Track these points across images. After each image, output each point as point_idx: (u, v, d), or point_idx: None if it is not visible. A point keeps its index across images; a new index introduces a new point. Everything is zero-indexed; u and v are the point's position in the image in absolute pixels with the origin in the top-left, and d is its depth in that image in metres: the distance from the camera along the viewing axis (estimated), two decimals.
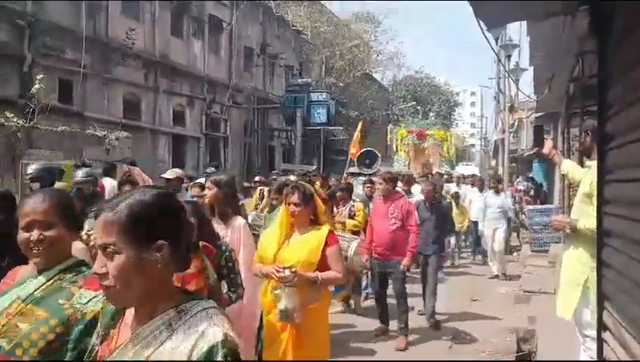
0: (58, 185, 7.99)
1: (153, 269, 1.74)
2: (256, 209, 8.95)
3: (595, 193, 4.09)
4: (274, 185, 8.24)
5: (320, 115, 28.73)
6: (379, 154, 15.48)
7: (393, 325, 8.00)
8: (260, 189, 10.02)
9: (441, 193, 10.40)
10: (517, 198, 18.79)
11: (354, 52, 37.51)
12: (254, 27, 28.44)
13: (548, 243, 12.05)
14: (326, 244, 4.47)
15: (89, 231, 3.70)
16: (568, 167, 5.61)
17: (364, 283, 9.76)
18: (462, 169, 28.98)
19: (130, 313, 1.86)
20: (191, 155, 22.92)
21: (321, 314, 4.60)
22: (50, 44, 15.12)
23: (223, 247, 4.26)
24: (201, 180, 7.18)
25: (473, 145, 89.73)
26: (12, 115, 12.65)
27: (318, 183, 11.13)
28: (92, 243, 3.34)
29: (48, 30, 14.91)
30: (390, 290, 8.03)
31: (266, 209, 8.24)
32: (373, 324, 8.35)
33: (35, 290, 2.41)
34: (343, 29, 38.45)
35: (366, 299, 9.88)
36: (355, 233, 8.72)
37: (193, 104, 23.14)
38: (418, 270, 9.25)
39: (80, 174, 7.49)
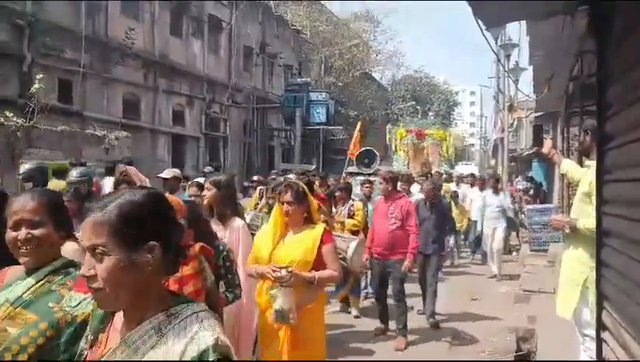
0: (57, 183, 7.98)
1: (143, 271, 1.69)
2: (256, 208, 8.93)
3: (594, 193, 4.10)
4: (272, 184, 8.22)
5: (319, 115, 28.74)
6: (378, 154, 15.47)
7: (393, 325, 8.00)
8: (260, 189, 10.00)
9: (440, 192, 10.38)
10: (516, 198, 18.82)
11: (353, 51, 37.53)
12: (254, 27, 28.44)
13: (547, 242, 12.04)
14: (321, 243, 4.45)
15: None
16: (567, 166, 5.61)
17: (362, 284, 9.75)
18: (461, 168, 28.95)
19: (119, 317, 1.82)
20: (190, 155, 22.92)
21: (317, 314, 4.57)
22: (50, 44, 15.13)
23: (221, 247, 4.23)
24: (199, 180, 7.15)
25: (473, 144, 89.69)
26: (12, 114, 12.66)
27: (317, 183, 11.11)
28: None
29: (48, 30, 14.92)
30: (390, 290, 8.02)
31: (264, 209, 8.23)
32: (372, 324, 8.34)
33: (23, 293, 2.37)
34: (342, 28, 38.46)
35: (365, 298, 9.88)
36: (355, 233, 8.69)
37: (192, 104, 23.14)
38: (416, 270, 9.23)
39: (74, 174, 7.32)
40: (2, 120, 12.37)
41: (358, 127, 16.61)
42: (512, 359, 6.77)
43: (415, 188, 13.09)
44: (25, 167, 6.97)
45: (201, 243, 3.62)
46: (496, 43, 19.98)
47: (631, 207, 3.14)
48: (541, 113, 18.44)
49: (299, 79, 30.64)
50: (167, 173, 8.54)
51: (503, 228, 12.82)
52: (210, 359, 1.62)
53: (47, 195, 2.60)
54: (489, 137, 53.82)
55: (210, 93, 24.17)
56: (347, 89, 37.26)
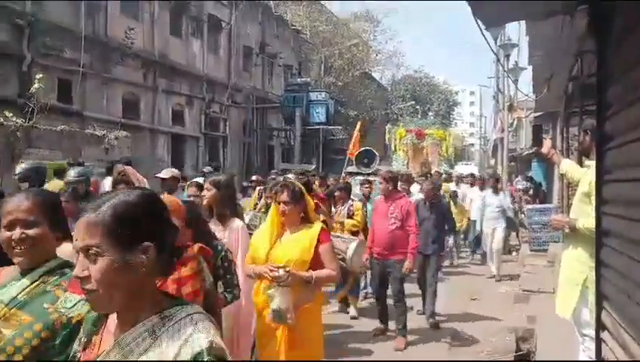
0: (57, 183, 7.97)
1: (138, 272, 1.67)
2: (255, 208, 8.93)
3: (593, 193, 4.10)
4: (271, 184, 8.20)
5: (319, 115, 28.76)
6: (377, 154, 15.46)
7: (392, 325, 7.99)
8: (259, 189, 10.00)
9: (440, 192, 10.37)
10: (516, 198, 18.82)
11: (353, 51, 37.53)
12: (253, 26, 28.45)
13: (547, 242, 12.04)
14: (318, 242, 4.43)
15: None
16: (567, 166, 5.61)
17: (362, 284, 9.74)
18: (461, 168, 28.95)
19: (112, 319, 1.80)
20: (190, 155, 22.93)
21: (314, 314, 4.56)
22: (50, 44, 15.14)
23: (219, 247, 4.20)
24: (198, 179, 7.11)
25: (472, 144, 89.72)
26: (11, 114, 12.67)
27: (316, 182, 11.11)
28: None
29: (48, 30, 14.92)
30: (390, 290, 8.00)
31: (263, 209, 8.23)
32: (371, 325, 8.34)
33: (18, 294, 2.33)
34: (342, 28, 38.47)
35: (365, 298, 9.87)
36: (354, 233, 8.69)
37: (192, 103, 23.15)
38: (416, 270, 9.22)
39: (72, 174, 7.28)
40: (2, 120, 12.38)
41: (357, 127, 16.60)
42: (512, 359, 6.77)
43: (415, 188, 13.09)
44: (21, 166, 6.84)
45: (200, 244, 3.59)
46: (495, 43, 19.98)
47: (630, 207, 3.14)
48: (541, 113, 18.43)
49: (298, 79, 30.66)
50: (166, 173, 8.49)
51: (503, 228, 12.81)
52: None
53: (42, 195, 2.57)
54: (489, 137, 53.82)
55: (210, 92, 24.18)
56: (347, 89, 37.26)
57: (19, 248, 2.38)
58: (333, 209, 9.10)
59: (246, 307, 4.84)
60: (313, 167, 24.12)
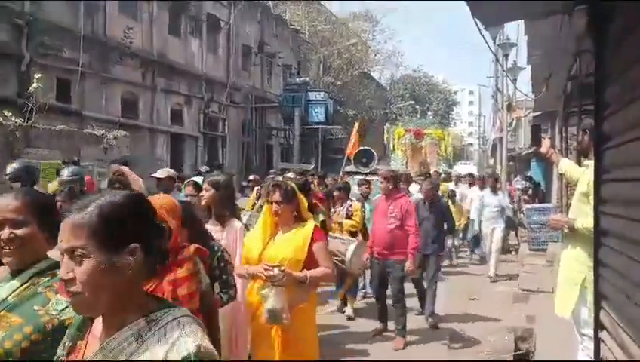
0: (56, 183, 7.94)
1: (124, 274, 1.64)
2: (253, 208, 8.92)
3: (592, 192, 4.10)
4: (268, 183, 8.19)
5: (318, 114, 28.76)
6: (375, 153, 15.47)
7: (391, 325, 7.98)
8: (257, 189, 9.99)
9: (438, 192, 10.37)
10: (515, 197, 18.82)
11: (352, 51, 37.55)
12: (252, 26, 28.44)
13: (546, 242, 12.04)
14: (312, 241, 4.42)
15: None
16: (566, 166, 5.61)
17: (360, 284, 9.73)
18: (460, 168, 28.97)
19: (98, 323, 1.76)
20: (189, 154, 22.92)
21: (308, 314, 4.54)
22: (49, 44, 15.11)
23: (215, 248, 4.18)
24: (195, 179, 7.07)
25: (471, 144, 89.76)
26: (10, 114, 12.65)
27: (315, 182, 11.10)
28: None
29: (46, 29, 14.90)
30: (389, 290, 7.99)
31: (260, 209, 8.22)
32: (368, 325, 8.34)
33: (8, 295, 2.29)
34: (341, 27, 38.49)
35: (364, 297, 9.87)
36: (353, 234, 8.69)
37: (191, 103, 23.14)
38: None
39: (66, 173, 7.27)
40: (1, 119, 12.36)
41: (356, 126, 16.58)
42: (511, 359, 6.77)
43: (414, 187, 13.08)
44: (12, 166, 6.62)
45: (196, 245, 3.56)
46: (494, 42, 19.98)
47: (629, 207, 3.14)
48: (539, 113, 18.44)
49: (297, 78, 30.64)
50: (161, 172, 8.44)
51: (502, 228, 12.80)
52: None
53: (32, 195, 2.53)
54: (487, 137, 53.89)
55: (209, 92, 24.17)
56: (346, 88, 37.27)
57: (7, 248, 2.34)
58: (332, 209, 9.09)
59: (244, 307, 4.83)
60: (312, 166, 24.12)
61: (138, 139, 18.60)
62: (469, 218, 14.41)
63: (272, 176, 12.74)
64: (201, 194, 5.36)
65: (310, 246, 4.40)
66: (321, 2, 37.29)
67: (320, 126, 29.37)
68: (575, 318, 4.70)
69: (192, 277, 3.37)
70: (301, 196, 4.64)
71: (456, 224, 13.59)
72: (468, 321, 8.77)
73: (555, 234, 10.55)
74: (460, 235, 15.34)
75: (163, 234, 1.84)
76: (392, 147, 23.48)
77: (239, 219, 5.53)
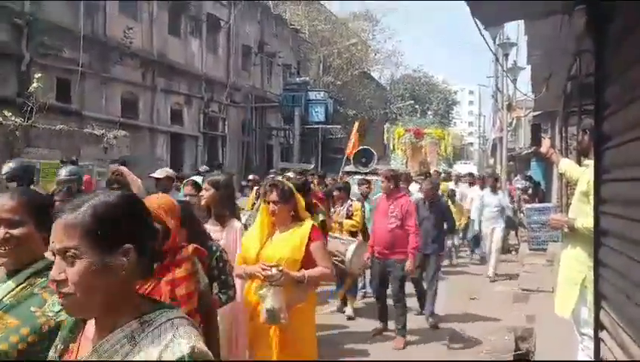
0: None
1: (117, 275, 1.61)
2: (253, 208, 8.92)
3: (592, 192, 4.10)
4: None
5: (318, 114, 28.75)
6: (375, 153, 15.46)
7: (392, 325, 7.98)
8: (257, 189, 9.99)
9: (438, 191, 10.36)
10: (515, 197, 18.82)
11: (352, 50, 37.54)
12: (252, 26, 28.44)
13: (546, 241, 12.04)
14: (309, 240, 4.41)
15: None
16: (566, 165, 5.61)
17: (360, 284, 9.73)
18: (460, 167, 28.98)
19: (91, 325, 1.73)
20: (189, 154, 22.92)
21: (306, 314, 4.53)
22: (49, 43, 15.11)
23: (214, 248, 4.16)
24: (194, 178, 7.02)
25: (471, 143, 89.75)
26: (10, 113, 12.63)
27: (314, 181, 11.08)
28: None
29: (46, 29, 14.90)
30: (389, 290, 7.97)
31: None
32: (369, 325, 8.34)
33: (4, 296, 2.27)
34: (341, 27, 38.48)
35: (364, 297, 9.87)
36: (353, 234, 8.69)
37: (191, 103, 23.14)
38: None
39: (63, 173, 7.19)
40: (1, 119, 12.35)
41: (356, 126, 16.58)
42: (511, 358, 6.77)
43: (413, 187, 13.08)
44: (9, 166, 6.43)
45: (195, 245, 3.55)
46: (494, 42, 19.97)
47: (628, 207, 3.14)
48: (539, 112, 18.44)
49: (297, 78, 30.62)
50: (160, 172, 8.41)
51: (502, 228, 12.79)
52: None
53: (28, 195, 2.51)
54: (487, 136, 53.90)
55: (209, 92, 24.17)
56: (346, 88, 37.26)
57: (3, 248, 2.32)
58: (332, 209, 9.08)
59: (244, 306, 4.82)
60: (312, 166, 24.12)
61: (138, 139, 18.59)
62: (469, 218, 14.41)
63: (271, 175, 12.73)
64: (200, 194, 5.34)
65: (308, 245, 4.39)
66: (321, 2, 37.29)
67: (320, 126, 29.37)
68: (575, 318, 4.70)
69: (190, 278, 3.35)
70: (298, 196, 4.64)
71: (456, 224, 13.62)
72: (468, 321, 8.77)
73: (555, 233, 10.56)
74: (461, 235, 15.35)
75: (156, 235, 1.83)
76: (392, 147, 23.47)
77: (239, 219, 5.52)
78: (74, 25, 16.26)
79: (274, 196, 4.41)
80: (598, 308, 3.85)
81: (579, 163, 6.24)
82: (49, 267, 2.21)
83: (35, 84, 13.18)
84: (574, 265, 4.69)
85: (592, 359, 4.17)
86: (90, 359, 1.64)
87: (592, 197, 4.14)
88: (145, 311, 1.68)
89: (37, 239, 2.39)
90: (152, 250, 1.77)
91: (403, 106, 49.08)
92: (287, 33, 32.64)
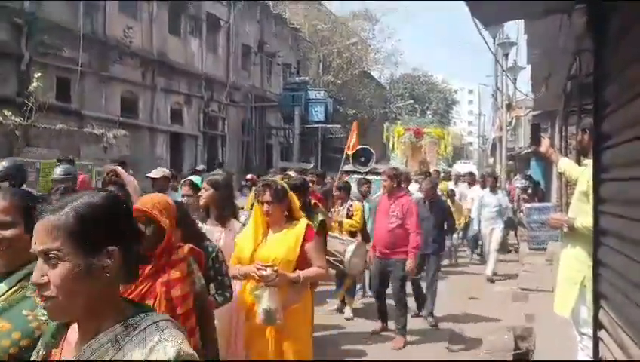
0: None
1: (101, 278, 1.58)
2: (251, 208, 8.87)
3: (592, 191, 4.10)
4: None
5: (318, 113, 28.74)
6: (373, 152, 15.42)
7: (391, 325, 7.97)
8: (255, 188, 9.95)
9: (437, 191, 10.35)
10: (515, 196, 18.83)
11: (352, 50, 37.53)
12: (252, 25, 28.44)
13: (546, 241, 12.05)
14: (304, 240, 4.38)
15: None
16: (565, 165, 5.61)
17: (359, 285, 9.72)
18: (460, 167, 28.96)
19: (73, 330, 1.70)
20: (189, 153, 22.92)
21: (302, 314, 4.50)
22: (48, 43, 15.11)
23: (210, 248, 4.12)
24: (192, 178, 6.94)
25: (471, 143, 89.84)
26: (10, 113, 12.64)
27: (314, 180, 11.04)
28: None
29: (46, 28, 14.90)
30: (390, 289, 7.94)
31: None
32: (368, 325, 8.34)
33: None
34: (341, 27, 38.46)
35: (363, 296, 9.87)
36: (353, 233, 8.68)
37: (191, 102, 23.14)
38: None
39: (58, 172, 7.13)
40: (0, 118, 12.36)
41: (354, 127, 16.52)
42: (511, 358, 6.77)
43: (413, 187, 13.07)
44: (1, 165, 6.33)
45: (190, 245, 3.52)
46: (494, 42, 20.00)
47: (628, 206, 3.15)
48: (539, 112, 18.45)
49: (297, 78, 30.62)
50: (156, 172, 8.35)
51: (501, 228, 12.77)
52: None
53: (21, 195, 2.45)
54: (487, 136, 53.94)
55: (209, 91, 24.16)
56: (345, 87, 37.25)
57: None
58: (332, 209, 9.07)
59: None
60: (312, 165, 24.11)
61: (138, 139, 18.59)
62: (469, 217, 14.41)
63: (271, 175, 12.72)
64: (199, 194, 5.30)
65: (302, 245, 4.37)
66: (321, 1, 37.31)
67: (320, 125, 29.37)
68: (574, 317, 4.70)
69: (185, 278, 3.33)
70: (292, 195, 4.62)
71: (457, 223, 13.62)
72: (467, 321, 8.78)
73: (554, 233, 10.56)
74: (461, 234, 15.35)
75: (141, 237, 1.79)
76: (391, 146, 23.44)
77: (238, 219, 5.49)
78: (74, 24, 16.25)
79: (267, 196, 4.38)
80: (597, 307, 3.85)
81: (578, 162, 6.25)
82: None
83: (34, 84, 13.18)
84: (574, 264, 4.70)
85: (591, 358, 4.18)
86: None
87: (591, 197, 4.15)
88: (129, 315, 1.65)
89: (29, 241, 2.28)
90: (137, 252, 1.74)
91: (403, 106, 49.05)
92: (286, 32, 32.65)
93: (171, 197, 4.06)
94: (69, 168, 7.48)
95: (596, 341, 3.88)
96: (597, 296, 3.86)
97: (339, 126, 32.10)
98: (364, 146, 15.75)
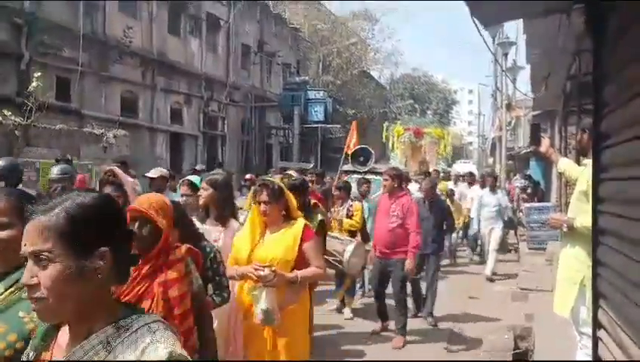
0: None
1: (92, 280, 1.56)
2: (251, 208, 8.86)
3: (591, 191, 4.11)
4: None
5: (317, 113, 28.74)
6: (372, 152, 15.41)
7: (391, 325, 7.97)
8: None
9: (436, 190, 10.34)
10: (515, 196, 18.84)
11: (351, 50, 37.54)
12: (252, 25, 28.45)
13: (545, 240, 12.05)
14: (302, 240, 4.36)
15: None
16: (565, 165, 5.61)
17: (358, 284, 9.72)
18: (459, 167, 28.98)
19: (64, 332, 1.67)
20: (189, 153, 22.93)
21: (299, 314, 4.48)
22: (48, 42, 15.13)
23: (208, 249, 4.13)
24: (190, 177, 6.89)
25: (471, 143, 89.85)
26: (10, 113, 12.64)
27: (313, 180, 11.03)
28: None
29: (46, 28, 14.92)
30: (389, 289, 7.93)
31: None
32: (367, 325, 8.34)
33: None
34: (341, 27, 38.47)
35: (362, 295, 9.87)
36: (352, 233, 8.67)
37: (191, 102, 23.15)
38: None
39: (55, 171, 7.01)
40: (0, 118, 12.36)
41: (354, 127, 16.49)
42: (510, 358, 6.78)
43: (412, 186, 13.06)
44: None
45: (188, 245, 3.50)
46: (493, 42, 20.00)
47: (627, 205, 3.15)
48: (539, 112, 18.47)
49: (297, 77, 30.63)
50: (154, 172, 8.30)
51: (500, 228, 12.78)
52: None
53: (18, 196, 2.41)
54: (487, 136, 53.91)
55: (209, 91, 24.18)
56: (345, 87, 37.26)
57: None
58: (332, 208, 9.06)
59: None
60: (312, 165, 24.10)
61: (138, 138, 18.60)
62: (468, 217, 14.42)
63: (270, 174, 12.72)
64: (199, 193, 5.28)
65: (300, 245, 4.35)
66: (321, 1, 37.32)
67: (319, 125, 29.39)
68: (574, 317, 4.71)
69: (183, 279, 3.31)
70: (289, 195, 4.60)
71: (457, 222, 13.62)
72: (467, 320, 8.78)
73: (554, 233, 10.57)
74: (460, 234, 15.35)
75: (132, 238, 1.78)
76: (391, 146, 23.43)
77: (237, 219, 5.47)
78: (73, 24, 16.26)
79: (264, 196, 4.36)
80: (596, 307, 3.85)
81: (578, 162, 6.26)
82: None
83: (34, 83, 13.18)
84: (573, 264, 4.70)
85: (591, 358, 4.18)
86: None
87: (590, 196, 4.15)
88: (121, 316, 1.62)
89: None
90: (129, 253, 1.72)
91: (402, 105, 49.09)
92: (286, 32, 32.66)
93: (169, 197, 4.04)
94: (66, 168, 7.38)
95: (595, 340, 3.88)
96: (596, 296, 3.86)
97: (338, 126, 32.10)
98: (363, 146, 15.75)
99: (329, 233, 7.75)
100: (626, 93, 3.11)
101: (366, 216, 9.13)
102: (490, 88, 39.09)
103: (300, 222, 4.49)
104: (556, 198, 15.15)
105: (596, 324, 3.84)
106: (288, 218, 4.50)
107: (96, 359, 1.54)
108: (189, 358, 1.61)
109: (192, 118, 23.30)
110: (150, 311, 3.04)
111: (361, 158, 15.14)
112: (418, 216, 7.79)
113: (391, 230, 7.64)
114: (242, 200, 9.33)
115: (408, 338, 7.77)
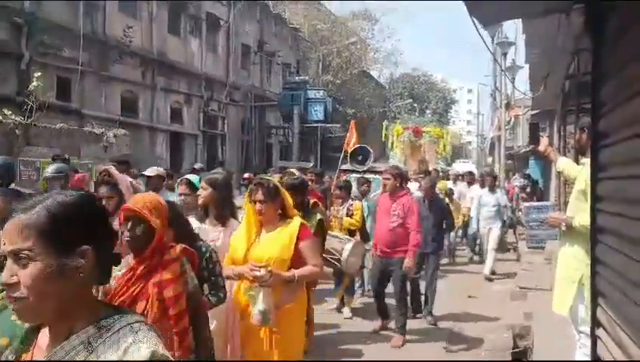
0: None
1: (73, 278, 1.53)
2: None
3: (589, 190, 4.12)
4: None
5: (317, 113, 28.77)
6: (371, 151, 15.40)
7: (391, 325, 7.98)
8: None
9: (435, 189, 10.34)
10: (513, 195, 18.85)
11: (351, 50, 37.57)
12: (252, 25, 28.47)
13: (544, 239, 12.07)
14: (298, 239, 4.33)
15: None
16: (564, 164, 5.62)
17: (357, 283, 9.72)
18: (459, 166, 29.01)
19: (44, 334, 1.64)
20: (189, 153, 22.95)
21: (295, 314, 4.45)
22: (48, 42, 15.16)
23: (203, 248, 4.09)
24: (188, 177, 6.86)
25: (470, 142, 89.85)
26: (10, 112, 12.65)
27: (312, 180, 11.03)
28: None
29: (46, 28, 14.94)
30: (390, 288, 7.91)
31: None
32: (367, 324, 8.35)
33: None
34: (340, 26, 38.51)
35: (362, 295, 9.88)
36: (352, 232, 8.67)
37: (191, 102, 23.17)
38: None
39: (50, 170, 7.01)
40: (1, 118, 12.37)
41: (353, 127, 16.49)
42: (510, 356, 6.79)
43: (412, 186, 13.06)
44: None
45: (183, 245, 3.48)
46: (492, 41, 20.00)
47: (625, 204, 3.16)
48: (538, 111, 18.48)
49: (297, 77, 30.68)
50: (151, 171, 8.26)
51: (499, 227, 12.77)
52: None
53: (15, 196, 2.42)
54: (486, 135, 53.94)
55: (208, 91, 24.21)
56: (345, 87, 37.28)
57: None
58: (332, 207, 9.07)
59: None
60: (311, 164, 24.11)
61: (138, 138, 18.62)
62: (468, 216, 14.42)
63: (270, 174, 12.71)
64: (198, 193, 5.26)
65: (297, 244, 4.32)
66: (321, 1, 37.34)
67: (319, 124, 29.43)
68: (572, 316, 4.72)
69: (178, 279, 3.29)
70: (285, 193, 4.57)
71: (456, 222, 13.61)
72: (466, 319, 8.78)
73: (553, 231, 10.59)
74: (460, 233, 15.35)
75: (114, 237, 1.76)
76: (390, 145, 23.45)
77: (237, 218, 5.46)
78: (73, 24, 16.29)
79: (259, 195, 4.32)
80: (595, 305, 3.87)
81: (577, 161, 6.27)
82: None
83: (34, 83, 13.19)
84: (572, 262, 4.72)
85: (589, 356, 4.20)
86: None
87: (589, 195, 4.17)
88: (102, 316, 1.60)
89: None
90: (111, 252, 1.70)
91: (402, 105, 49.08)
92: (286, 32, 32.69)
93: (166, 197, 4.03)
94: (61, 166, 7.37)
95: (594, 339, 3.90)
96: (595, 295, 3.87)
97: (338, 125, 32.13)
98: (362, 145, 15.75)
99: (329, 232, 7.75)
100: (625, 93, 3.12)
101: (365, 215, 9.13)
102: (489, 88, 39.14)
103: (296, 220, 4.45)
104: (555, 197, 15.16)
105: (595, 323, 3.86)
106: (284, 217, 4.47)
107: (77, 359, 1.51)
108: (172, 358, 1.59)
109: (192, 117, 23.33)
110: (145, 311, 3.07)
111: (360, 157, 15.13)
112: (419, 215, 7.78)
113: (392, 229, 7.62)
114: (241, 200, 9.34)
115: (408, 337, 7.76)
